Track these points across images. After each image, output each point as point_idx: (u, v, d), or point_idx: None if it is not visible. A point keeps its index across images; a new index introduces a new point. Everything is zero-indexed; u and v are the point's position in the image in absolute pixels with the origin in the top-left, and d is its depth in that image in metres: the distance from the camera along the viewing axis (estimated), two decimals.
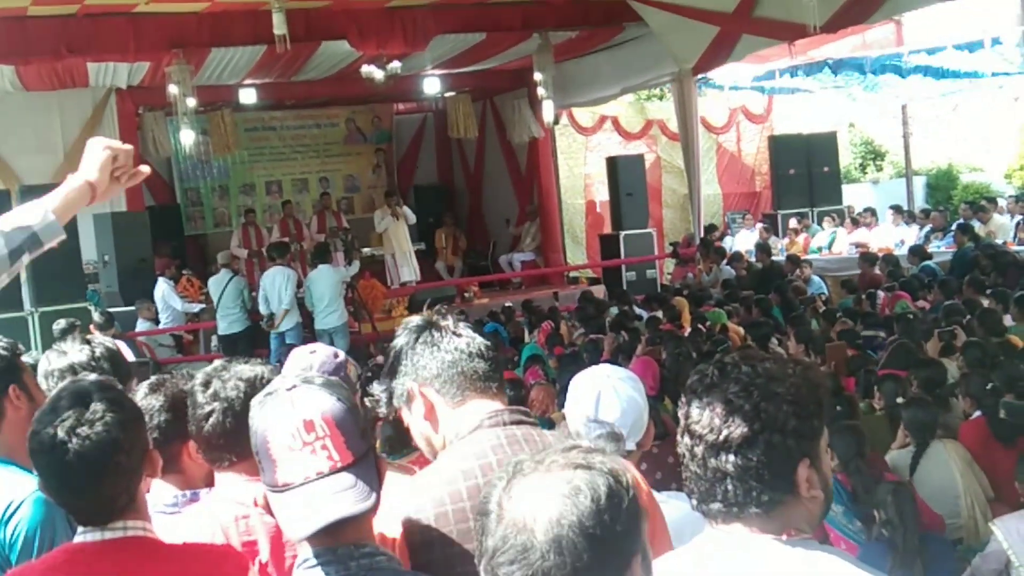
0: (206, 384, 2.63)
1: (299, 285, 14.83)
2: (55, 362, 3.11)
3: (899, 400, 6.31)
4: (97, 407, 2.18)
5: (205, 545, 2.40)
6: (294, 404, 1.90)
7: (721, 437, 1.84)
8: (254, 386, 2.51)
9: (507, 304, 14.39)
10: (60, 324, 10.43)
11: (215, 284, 13.69)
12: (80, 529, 2.23)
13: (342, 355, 3.13)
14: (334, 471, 1.87)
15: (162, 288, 14.08)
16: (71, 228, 12.24)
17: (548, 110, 16.15)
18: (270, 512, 2.27)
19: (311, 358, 3.04)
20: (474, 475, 2.13)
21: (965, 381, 6.40)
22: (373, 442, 1.92)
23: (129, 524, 2.20)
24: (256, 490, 2.49)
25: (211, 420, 2.57)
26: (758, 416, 1.83)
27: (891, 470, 5.49)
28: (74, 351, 3.12)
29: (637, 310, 12.61)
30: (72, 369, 3.06)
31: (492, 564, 1.52)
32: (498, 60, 16.46)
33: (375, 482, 1.89)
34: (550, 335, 11.68)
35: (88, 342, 3.17)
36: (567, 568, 1.47)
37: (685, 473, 1.90)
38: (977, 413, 6.02)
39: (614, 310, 12.55)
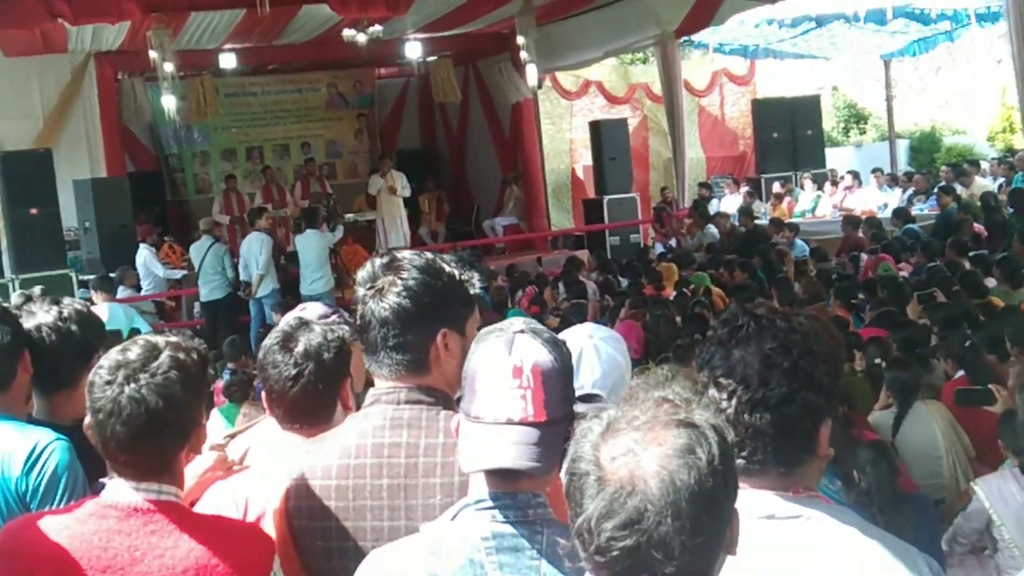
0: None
1: (282, 251, 14.73)
2: (24, 323, 3.04)
3: (877, 361, 6.34)
4: (164, 361, 2.15)
5: (234, 521, 2.40)
6: (511, 347, 1.91)
7: (759, 394, 1.79)
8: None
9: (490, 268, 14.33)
10: (35, 292, 10.35)
11: (196, 251, 13.58)
12: (113, 479, 2.20)
13: (330, 310, 3.11)
14: (523, 422, 1.86)
15: (144, 255, 13.98)
16: (51, 195, 12.08)
17: (531, 74, 16.05)
18: None
19: (302, 315, 3.03)
20: (348, 454, 2.22)
21: (945, 343, 6.43)
22: (571, 415, 1.89)
23: (164, 488, 2.17)
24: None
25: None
26: (796, 374, 1.79)
27: (874, 430, 5.53)
28: (41, 312, 3.03)
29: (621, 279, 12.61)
30: (39, 329, 2.98)
31: (595, 528, 1.41)
32: (480, 23, 16.32)
33: (556, 450, 1.84)
34: (533, 299, 11.69)
35: (57, 303, 3.08)
36: (685, 532, 1.38)
37: None
38: (960, 373, 6.06)
39: (594, 275, 12.56)
